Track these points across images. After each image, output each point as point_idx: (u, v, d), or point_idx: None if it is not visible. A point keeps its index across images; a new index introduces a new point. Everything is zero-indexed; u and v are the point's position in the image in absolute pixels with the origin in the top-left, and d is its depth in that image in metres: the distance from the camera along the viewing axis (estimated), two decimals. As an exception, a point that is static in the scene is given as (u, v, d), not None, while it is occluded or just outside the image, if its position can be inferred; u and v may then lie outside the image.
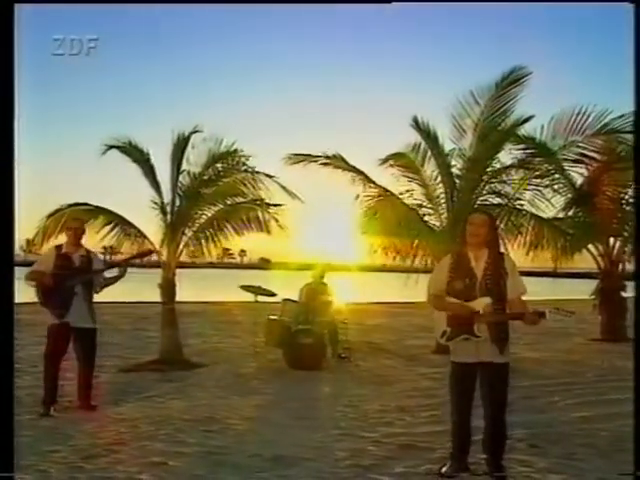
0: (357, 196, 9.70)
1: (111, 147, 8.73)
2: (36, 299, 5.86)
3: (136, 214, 8.88)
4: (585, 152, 9.69)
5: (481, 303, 4.03)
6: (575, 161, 9.81)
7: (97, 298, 6.10)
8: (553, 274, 40.31)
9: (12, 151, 2.65)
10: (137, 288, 15.39)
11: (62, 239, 6.91)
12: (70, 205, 8.65)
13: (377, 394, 6.91)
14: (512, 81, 9.46)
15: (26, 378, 7.33)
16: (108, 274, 6.06)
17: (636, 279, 4.48)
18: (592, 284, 12.44)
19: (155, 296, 9.14)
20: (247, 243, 9.34)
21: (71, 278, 5.73)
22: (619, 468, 4.40)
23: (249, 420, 5.69)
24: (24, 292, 5.75)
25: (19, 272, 4.73)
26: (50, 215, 8.57)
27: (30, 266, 6.01)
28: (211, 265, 59.48)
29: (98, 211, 8.64)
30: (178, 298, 9.02)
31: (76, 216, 7.49)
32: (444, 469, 4.22)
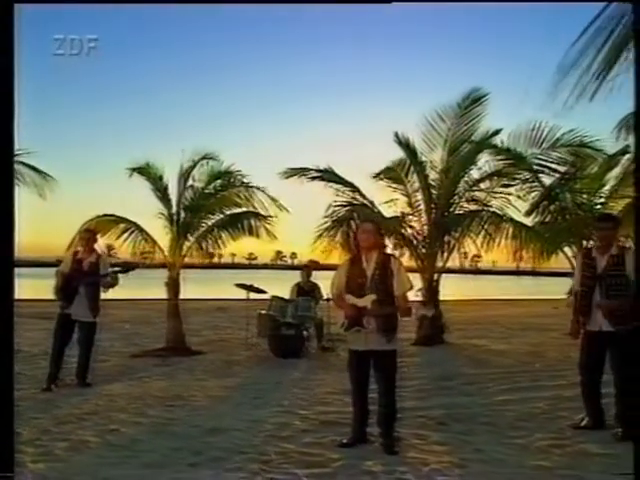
0: (329, 206, 9.98)
1: (134, 170, 9.28)
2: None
3: (145, 222, 9.41)
4: (544, 163, 9.72)
5: (368, 299, 4.34)
6: (536, 171, 9.83)
7: (138, 295, 6.74)
8: (534, 273, 43.42)
9: (12, 151, 2.50)
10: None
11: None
12: (100, 215, 9.31)
13: (336, 379, 7.13)
14: (473, 100, 9.64)
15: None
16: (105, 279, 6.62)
17: (636, 280, 4.64)
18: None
19: (190, 294, 9.70)
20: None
21: (76, 279, 6.38)
22: (500, 441, 4.65)
23: (211, 398, 6.13)
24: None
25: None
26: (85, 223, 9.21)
27: (33, 265, 6.65)
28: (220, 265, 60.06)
29: (120, 220, 9.30)
30: (208, 295, 9.52)
31: (90, 227, 8.09)
32: (345, 440, 4.54)
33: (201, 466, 4.02)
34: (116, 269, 6.65)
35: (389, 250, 7.70)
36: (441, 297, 10.67)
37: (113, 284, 6.58)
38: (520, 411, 5.62)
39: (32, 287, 17.77)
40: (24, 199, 9.92)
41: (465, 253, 11.32)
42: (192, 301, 17.61)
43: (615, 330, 4.84)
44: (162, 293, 16.55)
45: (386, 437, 4.45)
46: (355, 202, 10.03)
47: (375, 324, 4.36)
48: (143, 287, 17.26)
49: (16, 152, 9.62)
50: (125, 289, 8.93)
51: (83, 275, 6.48)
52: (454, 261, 10.62)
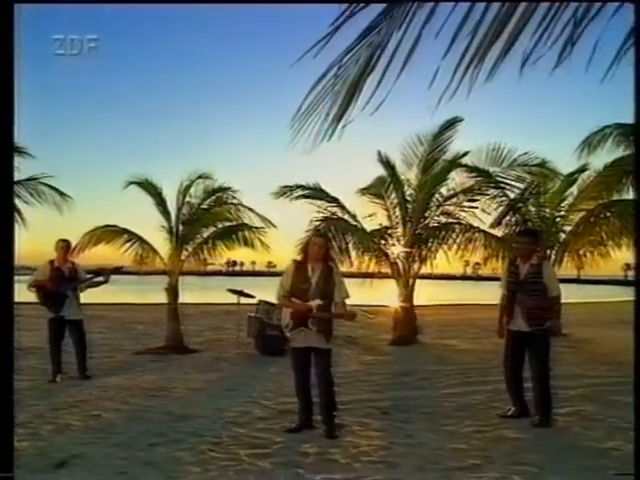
0: (310, 221, 10.26)
1: (131, 183, 9.70)
2: (36, 300, 6.88)
3: (145, 233, 9.78)
4: (504, 180, 9.94)
5: (314, 303, 4.61)
6: (500, 187, 10.06)
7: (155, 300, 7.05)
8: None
9: (12, 151, 2.31)
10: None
11: (96, 250, 8.26)
12: (102, 226, 9.71)
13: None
14: (446, 126, 9.95)
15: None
16: (95, 280, 6.99)
17: (636, 282, 4.84)
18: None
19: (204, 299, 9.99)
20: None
21: (63, 285, 6.72)
22: (431, 428, 4.87)
23: (190, 390, 6.43)
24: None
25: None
26: (86, 233, 9.61)
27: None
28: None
29: (123, 231, 9.69)
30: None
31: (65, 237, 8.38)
32: (293, 426, 4.81)
33: (159, 446, 4.33)
34: (108, 270, 7.01)
35: (338, 261, 8.08)
36: (428, 302, 10.89)
37: (104, 282, 6.95)
38: (460, 402, 5.84)
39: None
40: (44, 215, 10.41)
41: (467, 261, 11.56)
42: (204, 305, 18.08)
43: (531, 330, 5.06)
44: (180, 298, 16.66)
45: (327, 424, 4.70)
46: (333, 217, 10.29)
47: (318, 325, 4.63)
48: (161, 292, 17.81)
49: (37, 176, 10.14)
50: (143, 294, 9.34)
51: (67, 281, 6.82)
52: (458, 269, 10.93)
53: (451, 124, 10.04)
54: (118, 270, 7.26)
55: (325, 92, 1.48)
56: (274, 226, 9.55)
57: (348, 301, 4.74)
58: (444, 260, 11.01)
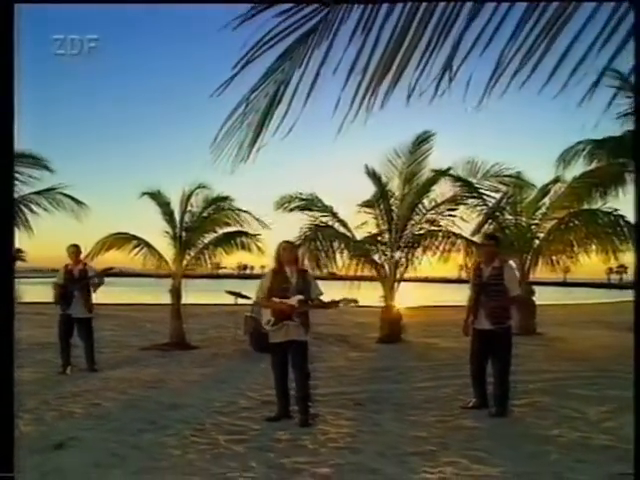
0: (300, 228, 10.39)
1: (144, 194, 9.88)
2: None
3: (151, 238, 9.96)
4: (480, 190, 10.05)
5: (295, 299, 4.75)
6: (474, 197, 10.16)
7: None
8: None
9: (12, 152, 2.17)
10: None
11: (108, 255, 8.50)
12: (114, 234, 9.89)
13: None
14: (419, 141, 10.09)
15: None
16: (90, 281, 7.17)
17: (636, 284, 4.90)
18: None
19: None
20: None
21: (71, 285, 6.91)
22: (398, 418, 4.96)
23: (185, 382, 6.57)
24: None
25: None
26: (99, 240, 9.79)
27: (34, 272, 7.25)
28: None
29: (132, 237, 9.87)
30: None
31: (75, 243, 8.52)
32: (272, 415, 4.92)
33: (147, 432, 4.47)
34: (101, 272, 7.20)
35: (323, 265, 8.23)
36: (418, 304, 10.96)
37: (99, 284, 7.11)
38: (429, 395, 5.94)
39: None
40: (61, 221, 10.61)
41: (461, 265, 11.65)
42: (211, 306, 18.20)
43: (494, 328, 5.14)
44: (189, 299, 16.90)
45: (302, 414, 4.82)
46: (322, 225, 10.42)
47: (299, 319, 4.77)
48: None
49: (55, 186, 10.33)
50: (158, 295, 9.54)
51: (75, 281, 7.05)
52: (453, 272, 11.03)
53: (424, 139, 10.18)
54: (107, 271, 7.45)
55: (240, 121, 1.61)
56: (269, 227, 9.72)
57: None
58: (436, 264, 11.15)
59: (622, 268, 75.18)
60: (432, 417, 5.02)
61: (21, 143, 9.63)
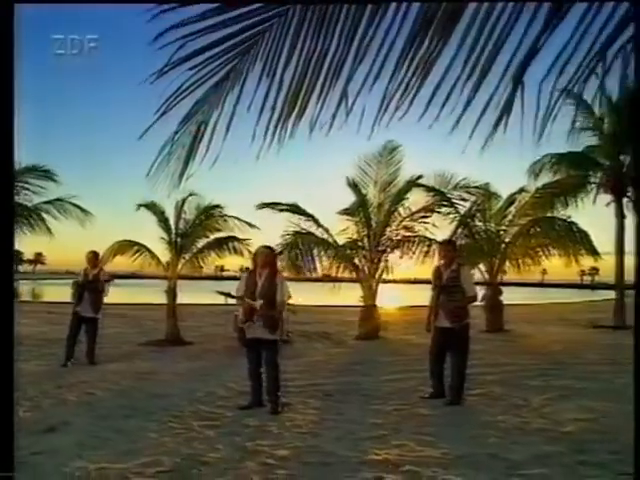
0: (283, 234, 10.54)
1: (140, 206, 10.05)
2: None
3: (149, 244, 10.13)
4: (452, 200, 10.24)
5: (257, 303, 4.90)
6: (445, 205, 10.36)
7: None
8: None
9: (12, 153, 2.04)
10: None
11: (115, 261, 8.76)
12: (120, 241, 10.08)
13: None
14: (391, 149, 10.34)
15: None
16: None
17: (636, 284, 5.00)
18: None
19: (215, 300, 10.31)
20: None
21: (81, 287, 7.14)
22: (362, 407, 5.10)
23: (174, 374, 6.71)
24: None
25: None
26: (108, 248, 9.99)
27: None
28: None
29: (134, 244, 10.05)
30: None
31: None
32: (245, 404, 5.06)
33: (132, 418, 4.63)
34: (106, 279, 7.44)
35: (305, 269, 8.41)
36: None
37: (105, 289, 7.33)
38: (394, 387, 6.07)
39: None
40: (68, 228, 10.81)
41: None
42: (210, 306, 18.31)
43: (453, 326, 5.30)
44: (191, 299, 16.94)
45: (272, 402, 4.97)
46: (303, 231, 10.58)
47: (261, 320, 4.92)
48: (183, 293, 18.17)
49: (63, 197, 10.52)
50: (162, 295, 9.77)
51: (87, 284, 7.24)
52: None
53: (393, 148, 10.40)
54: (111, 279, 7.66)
55: (170, 155, 1.79)
56: (257, 228, 9.95)
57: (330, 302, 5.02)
58: (420, 267, 11.31)
59: (594, 270, 75.93)
60: (391, 406, 5.15)
61: (21, 143, 9.81)
